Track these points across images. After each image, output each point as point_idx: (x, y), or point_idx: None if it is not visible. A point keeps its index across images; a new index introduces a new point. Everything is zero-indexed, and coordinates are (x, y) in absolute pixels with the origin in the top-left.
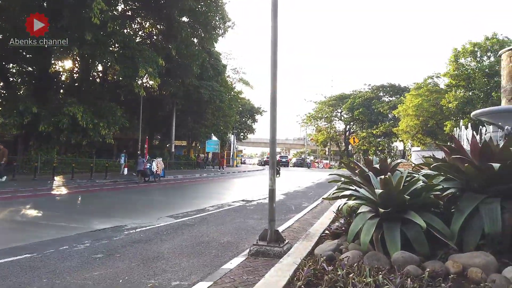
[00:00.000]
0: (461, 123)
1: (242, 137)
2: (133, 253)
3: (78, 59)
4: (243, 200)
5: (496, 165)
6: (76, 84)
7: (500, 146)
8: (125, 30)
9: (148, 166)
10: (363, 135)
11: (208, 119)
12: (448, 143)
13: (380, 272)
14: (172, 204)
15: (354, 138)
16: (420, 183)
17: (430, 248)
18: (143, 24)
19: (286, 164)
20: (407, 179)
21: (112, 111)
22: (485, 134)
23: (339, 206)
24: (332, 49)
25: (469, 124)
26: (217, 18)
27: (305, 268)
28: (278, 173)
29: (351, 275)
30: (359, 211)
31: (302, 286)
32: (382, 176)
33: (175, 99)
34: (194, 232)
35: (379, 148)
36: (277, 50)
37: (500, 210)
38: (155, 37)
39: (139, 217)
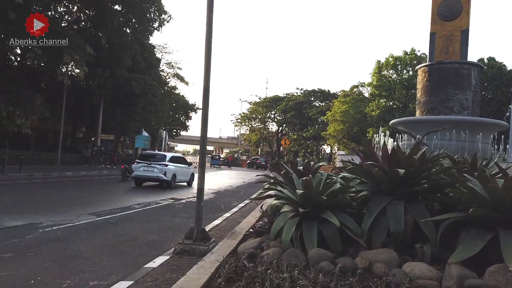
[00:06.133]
0: (380, 130)
1: (174, 133)
2: (48, 252)
3: None
4: (171, 199)
5: (401, 171)
6: None
7: (406, 153)
8: (49, 13)
9: None
10: (294, 137)
11: (139, 113)
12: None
13: (296, 268)
14: (96, 201)
15: (285, 140)
16: (338, 185)
17: (343, 246)
18: (71, 7)
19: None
20: (326, 181)
21: (31, 99)
22: (401, 142)
23: (261, 205)
24: (268, 51)
25: (387, 132)
26: (153, 10)
27: (226, 265)
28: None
29: (269, 271)
30: (281, 210)
31: (223, 283)
32: (304, 178)
33: (103, 90)
34: (117, 230)
35: (308, 151)
36: (211, 40)
37: (403, 212)
38: (83, 23)
39: (57, 214)
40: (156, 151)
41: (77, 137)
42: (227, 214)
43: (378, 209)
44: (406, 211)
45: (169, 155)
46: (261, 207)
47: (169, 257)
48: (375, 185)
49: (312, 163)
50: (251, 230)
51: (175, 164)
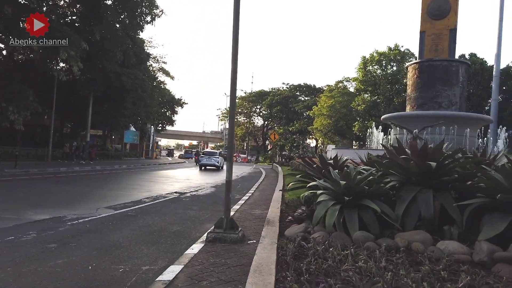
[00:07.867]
0: (373, 125)
1: (160, 128)
2: (88, 242)
3: None
4: (176, 193)
5: (433, 164)
6: None
7: (433, 148)
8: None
9: None
10: (280, 131)
11: (128, 109)
12: (364, 144)
13: (352, 247)
14: (104, 195)
15: (274, 134)
16: (371, 177)
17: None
18: (57, 2)
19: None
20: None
21: (24, 94)
22: (392, 136)
23: (282, 196)
24: (254, 46)
25: (380, 126)
26: (145, 4)
27: (289, 246)
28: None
29: (331, 249)
30: (319, 199)
31: (292, 260)
32: (343, 170)
33: (93, 85)
34: (140, 222)
35: (294, 145)
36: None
37: (432, 199)
38: (74, 17)
39: (76, 208)
40: (211, 150)
41: (64, 132)
42: (236, 207)
43: (409, 197)
44: (434, 199)
45: (217, 152)
46: (282, 198)
47: (203, 244)
48: (404, 176)
49: (339, 158)
50: (290, 217)
51: (220, 157)
